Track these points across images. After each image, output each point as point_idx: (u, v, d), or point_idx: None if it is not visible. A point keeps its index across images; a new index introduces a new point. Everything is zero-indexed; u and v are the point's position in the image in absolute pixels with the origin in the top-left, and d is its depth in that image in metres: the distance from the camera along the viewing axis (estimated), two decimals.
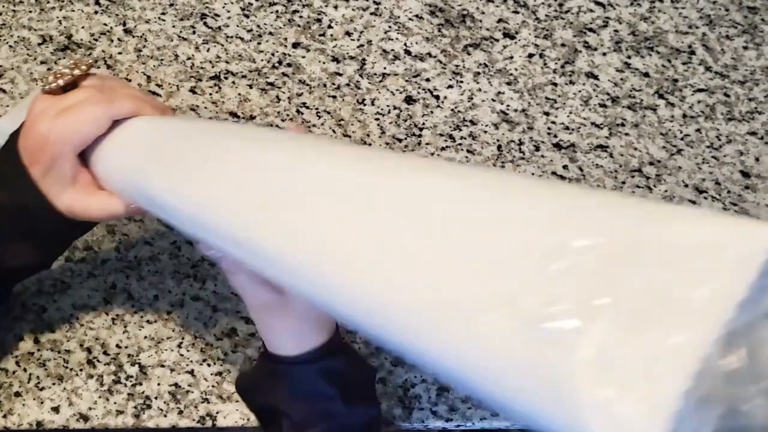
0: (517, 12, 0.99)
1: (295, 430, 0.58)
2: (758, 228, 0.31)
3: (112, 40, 0.89)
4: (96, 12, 0.91)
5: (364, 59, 0.93)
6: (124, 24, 0.91)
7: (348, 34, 0.94)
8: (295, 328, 0.58)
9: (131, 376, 0.70)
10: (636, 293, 0.31)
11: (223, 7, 0.94)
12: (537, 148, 0.89)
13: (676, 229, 0.32)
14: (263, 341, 0.61)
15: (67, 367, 0.70)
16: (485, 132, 0.89)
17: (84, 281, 0.74)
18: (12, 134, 0.58)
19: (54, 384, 0.69)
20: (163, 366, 0.70)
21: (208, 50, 0.90)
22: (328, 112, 0.88)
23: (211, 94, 0.87)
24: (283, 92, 0.89)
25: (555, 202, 0.34)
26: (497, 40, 0.97)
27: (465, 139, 0.88)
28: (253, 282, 0.57)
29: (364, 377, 0.62)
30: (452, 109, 0.90)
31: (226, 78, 0.89)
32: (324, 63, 0.91)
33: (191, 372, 0.70)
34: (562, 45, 0.97)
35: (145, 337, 0.72)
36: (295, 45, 0.92)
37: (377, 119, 0.88)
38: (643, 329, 0.30)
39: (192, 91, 0.87)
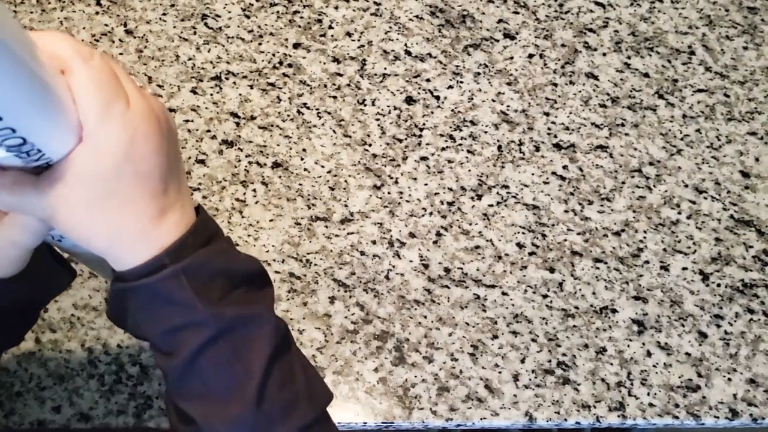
0: (517, 12, 1.00)
1: (164, 356, 0.48)
2: None
3: (113, 41, 0.89)
4: (97, 13, 0.92)
5: (364, 60, 0.93)
6: (125, 25, 0.91)
7: (348, 34, 0.95)
8: (117, 228, 0.45)
9: (132, 376, 0.71)
10: None
11: (224, 8, 0.94)
12: (537, 149, 0.89)
13: None
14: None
15: (68, 367, 0.70)
16: (485, 132, 0.89)
17: (85, 281, 0.74)
18: None
19: (55, 384, 0.69)
20: None
21: (209, 51, 0.91)
22: (329, 113, 0.88)
23: (212, 94, 0.87)
24: (284, 93, 0.89)
25: None
26: (497, 41, 0.97)
27: (465, 139, 0.88)
28: (24, 185, 0.44)
29: (241, 270, 0.50)
30: (452, 110, 0.90)
31: (227, 78, 0.89)
32: (324, 63, 0.92)
33: None
34: (562, 45, 0.98)
35: None
36: (296, 45, 0.93)
37: (378, 119, 0.88)
38: None
39: (193, 91, 0.87)
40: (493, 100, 0.92)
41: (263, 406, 0.47)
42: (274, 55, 0.91)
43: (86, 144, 0.43)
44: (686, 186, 0.89)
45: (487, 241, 0.82)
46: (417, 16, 0.97)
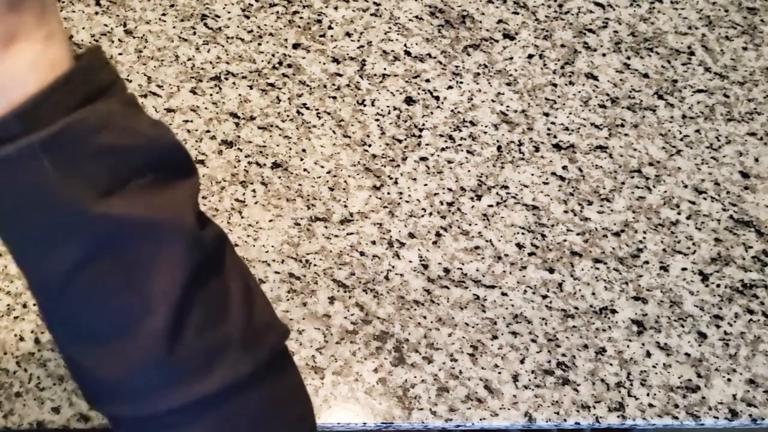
0: (516, 13, 1.00)
1: (24, 276, 0.34)
2: None
3: (112, 41, 0.89)
4: (96, 13, 0.91)
5: (364, 60, 0.93)
6: (125, 25, 0.91)
7: (348, 35, 0.95)
8: None
9: None
10: None
11: (224, 8, 0.94)
12: (537, 149, 0.89)
13: None
14: None
15: (67, 367, 0.70)
16: (485, 133, 0.89)
17: None
18: None
19: (55, 384, 0.69)
20: None
21: (208, 51, 0.91)
22: (329, 113, 0.88)
23: (211, 94, 0.87)
24: (284, 93, 0.89)
25: None
26: (497, 41, 0.97)
27: (465, 139, 0.88)
28: None
29: (145, 146, 0.33)
30: (452, 110, 0.90)
31: (226, 79, 0.89)
32: (324, 64, 0.92)
33: None
34: (562, 46, 0.98)
35: None
36: (296, 46, 0.93)
37: (377, 120, 0.88)
38: None
39: (192, 91, 0.87)
40: (493, 101, 0.92)
41: (171, 356, 0.34)
42: (273, 55, 0.91)
43: None
44: (686, 186, 0.89)
45: (487, 241, 0.82)
46: (417, 17, 0.97)
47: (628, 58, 0.98)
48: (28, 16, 0.30)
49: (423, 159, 0.86)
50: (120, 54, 0.89)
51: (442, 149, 0.87)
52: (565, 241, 0.83)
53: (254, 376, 0.36)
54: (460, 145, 0.88)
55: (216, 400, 0.35)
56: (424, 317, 0.77)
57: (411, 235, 0.81)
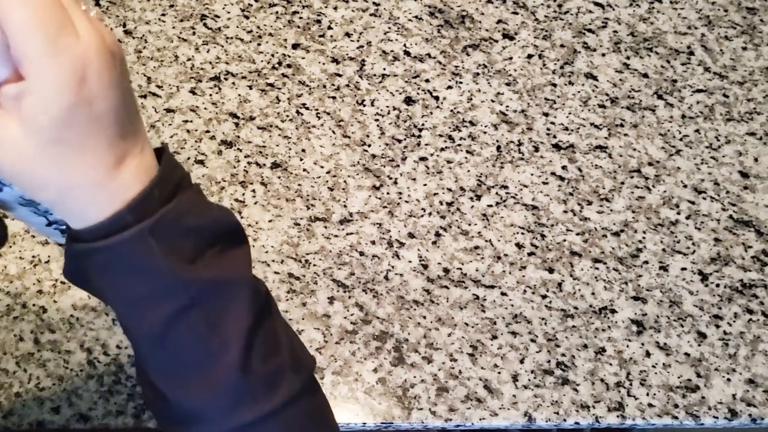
0: (516, 13, 1.00)
1: (130, 325, 0.44)
2: None
3: None
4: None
5: (363, 60, 0.93)
6: (125, 25, 0.91)
7: (347, 35, 0.95)
8: (77, 180, 0.40)
9: (131, 377, 0.70)
10: None
11: (223, 8, 0.94)
12: (536, 149, 0.89)
13: None
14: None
15: (67, 368, 0.70)
16: (484, 133, 0.89)
17: None
18: None
19: (54, 384, 0.69)
20: None
21: (208, 51, 0.91)
22: (328, 113, 0.88)
23: (211, 95, 0.87)
24: (283, 93, 0.89)
25: None
26: (496, 41, 0.97)
27: (464, 139, 0.88)
28: None
29: (215, 226, 0.44)
30: (451, 110, 0.90)
31: (226, 79, 0.89)
32: (324, 64, 0.92)
33: None
34: (561, 46, 0.98)
35: None
36: (295, 46, 0.93)
37: (377, 120, 0.88)
38: None
39: (192, 92, 0.87)
40: (492, 101, 0.92)
41: (245, 382, 0.43)
42: (273, 55, 0.91)
43: (31, 86, 0.37)
44: (685, 186, 0.89)
45: (486, 241, 0.82)
46: (416, 17, 0.97)
47: (628, 58, 0.98)
48: (130, 139, 0.41)
49: (422, 159, 0.86)
50: None
51: (442, 149, 0.87)
52: (564, 241, 0.83)
53: (301, 392, 0.46)
54: (459, 145, 0.88)
55: (276, 413, 0.44)
56: (424, 317, 0.77)
57: (410, 235, 0.81)
